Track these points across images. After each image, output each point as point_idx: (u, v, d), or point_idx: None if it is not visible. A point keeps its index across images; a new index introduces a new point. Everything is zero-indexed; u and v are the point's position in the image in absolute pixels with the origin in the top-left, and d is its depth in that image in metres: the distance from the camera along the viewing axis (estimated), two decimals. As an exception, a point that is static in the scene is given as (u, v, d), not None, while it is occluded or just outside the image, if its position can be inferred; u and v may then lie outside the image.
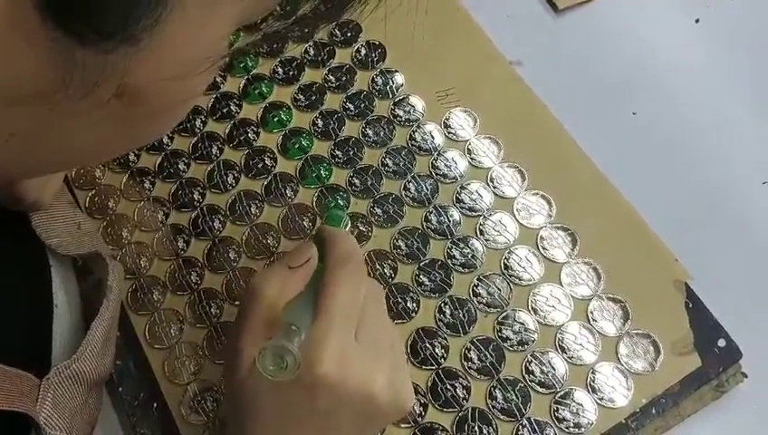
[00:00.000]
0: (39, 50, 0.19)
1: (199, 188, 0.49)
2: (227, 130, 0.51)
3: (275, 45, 0.53)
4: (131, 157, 0.51)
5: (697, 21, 0.55)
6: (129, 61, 0.20)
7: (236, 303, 0.45)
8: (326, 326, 0.31)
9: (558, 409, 0.40)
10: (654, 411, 0.40)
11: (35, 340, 0.33)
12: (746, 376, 0.41)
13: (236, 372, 0.33)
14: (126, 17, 0.18)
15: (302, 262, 0.35)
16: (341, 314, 0.32)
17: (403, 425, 0.40)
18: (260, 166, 0.50)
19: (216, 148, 0.51)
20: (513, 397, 0.40)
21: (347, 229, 0.44)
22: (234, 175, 0.49)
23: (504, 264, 0.44)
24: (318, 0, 0.26)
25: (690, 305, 0.42)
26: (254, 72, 0.53)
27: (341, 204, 0.47)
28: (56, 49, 0.18)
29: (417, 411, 0.40)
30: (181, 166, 0.50)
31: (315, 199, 0.48)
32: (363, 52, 0.53)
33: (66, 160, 0.29)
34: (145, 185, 0.50)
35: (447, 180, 0.48)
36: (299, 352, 0.30)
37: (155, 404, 0.42)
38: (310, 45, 0.54)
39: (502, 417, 0.40)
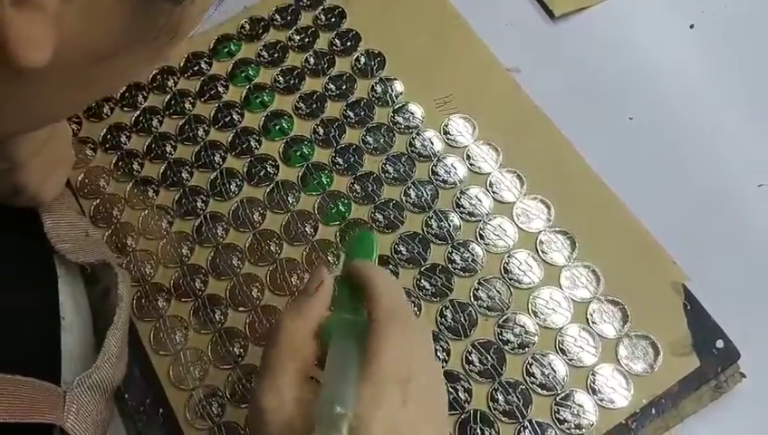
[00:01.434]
0: (128, 8, 0.22)
1: (202, 196, 0.50)
2: (230, 139, 0.52)
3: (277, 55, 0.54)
4: (135, 166, 0.51)
5: (692, 26, 0.56)
6: (186, 9, 0.23)
7: (240, 309, 0.45)
8: (375, 394, 0.29)
9: (559, 410, 0.40)
10: (654, 412, 0.40)
11: (46, 351, 0.33)
12: (744, 376, 0.41)
13: (266, 413, 0.30)
14: None
15: (315, 287, 0.33)
16: (391, 379, 0.29)
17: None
18: (262, 174, 0.50)
19: (218, 156, 0.51)
20: (515, 399, 0.41)
21: (376, 257, 0.38)
22: (236, 183, 0.50)
23: (504, 268, 0.45)
24: None
25: (688, 307, 0.43)
26: (255, 81, 0.54)
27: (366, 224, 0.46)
28: (141, 6, 0.22)
29: (420, 414, 0.41)
30: (184, 174, 0.51)
31: (317, 206, 0.49)
32: (363, 60, 0.54)
33: (104, 93, 0.32)
34: (149, 193, 0.50)
35: (447, 186, 0.48)
36: None
37: (161, 410, 0.43)
38: (310, 55, 0.55)
39: (503, 419, 0.40)
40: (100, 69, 0.24)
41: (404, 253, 0.46)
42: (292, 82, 0.54)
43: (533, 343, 0.42)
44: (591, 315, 0.43)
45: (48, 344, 0.34)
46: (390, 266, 0.46)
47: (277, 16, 0.57)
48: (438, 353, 0.43)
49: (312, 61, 0.55)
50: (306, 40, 0.56)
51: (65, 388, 0.31)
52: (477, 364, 0.42)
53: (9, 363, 0.28)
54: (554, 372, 0.41)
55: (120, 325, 0.35)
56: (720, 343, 0.42)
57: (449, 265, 0.45)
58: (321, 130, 0.52)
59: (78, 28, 0.21)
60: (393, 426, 0.28)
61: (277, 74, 0.54)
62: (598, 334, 0.42)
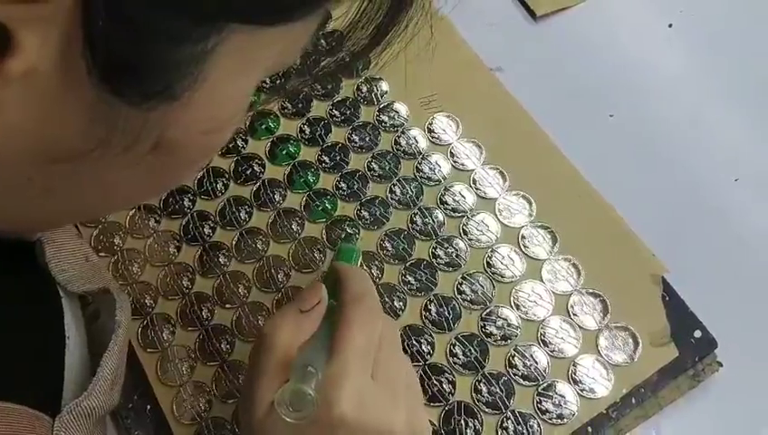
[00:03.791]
0: (86, 110, 0.19)
1: (189, 195, 0.50)
2: (216, 139, 0.52)
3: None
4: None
5: (670, 25, 0.57)
6: (167, 117, 0.21)
7: (227, 306, 0.46)
8: (342, 367, 0.31)
9: (541, 401, 0.41)
10: (634, 401, 0.41)
11: (49, 373, 0.32)
12: (721, 365, 0.42)
13: (254, 417, 0.32)
14: (169, 77, 0.19)
15: (313, 304, 0.35)
16: (357, 354, 0.32)
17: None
18: (248, 172, 0.51)
19: (205, 156, 0.52)
20: (498, 390, 0.42)
21: (359, 263, 0.43)
22: (223, 181, 0.51)
23: (487, 262, 0.46)
24: (343, 55, 0.27)
25: (667, 298, 0.44)
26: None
27: (351, 233, 0.47)
28: (102, 109, 0.19)
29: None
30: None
31: (303, 204, 0.49)
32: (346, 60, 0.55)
33: (95, 210, 0.29)
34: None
35: (431, 183, 0.49)
36: (316, 395, 0.30)
37: (148, 406, 0.43)
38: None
39: (487, 410, 0.41)
40: (67, 176, 0.22)
41: (389, 249, 0.47)
42: (278, 82, 0.54)
43: (516, 336, 0.43)
44: (572, 308, 0.44)
45: (52, 368, 0.33)
46: (376, 262, 0.46)
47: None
48: (423, 347, 0.43)
49: (297, 61, 0.55)
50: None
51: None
52: (461, 357, 0.43)
53: (7, 386, 0.28)
54: (536, 363, 0.42)
55: (115, 352, 0.34)
56: (698, 334, 0.43)
57: (434, 261, 0.46)
58: (307, 129, 0.52)
59: (22, 117, 0.19)
60: (361, 393, 0.31)
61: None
62: (579, 326, 0.43)
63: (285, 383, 0.31)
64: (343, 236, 0.48)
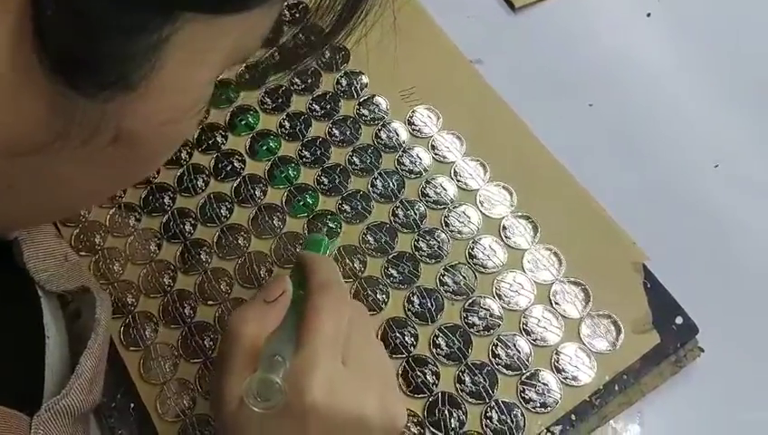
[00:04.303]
0: (42, 102, 0.19)
1: (170, 193, 0.50)
2: (195, 135, 0.52)
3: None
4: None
5: (649, 15, 0.57)
6: (125, 108, 0.20)
7: (209, 302, 0.46)
8: (311, 354, 0.31)
9: (524, 390, 0.41)
10: (617, 388, 0.41)
11: (29, 372, 0.32)
12: (703, 351, 0.43)
13: (224, 408, 0.33)
14: (124, 68, 0.19)
15: (278, 295, 0.35)
16: (326, 342, 0.32)
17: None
18: (229, 168, 0.51)
19: (185, 153, 0.51)
20: (481, 380, 0.42)
21: (328, 254, 0.43)
22: (203, 178, 0.50)
23: (469, 253, 0.46)
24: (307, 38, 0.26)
25: (648, 286, 0.44)
26: (220, 77, 0.54)
27: (321, 226, 0.47)
28: (58, 101, 0.19)
29: (389, 399, 0.41)
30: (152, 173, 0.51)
31: (284, 199, 0.49)
32: (327, 54, 0.55)
33: (62, 207, 0.29)
34: (116, 192, 0.50)
35: (413, 175, 0.49)
36: (284, 383, 0.30)
37: (132, 405, 0.43)
38: (275, 51, 0.55)
39: (471, 400, 0.41)
40: (28, 170, 0.22)
41: (372, 242, 0.47)
42: (257, 76, 0.54)
43: (498, 326, 0.43)
44: (554, 296, 0.44)
45: (32, 366, 0.32)
46: (359, 256, 0.46)
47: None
48: (406, 339, 0.43)
49: (277, 56, 0.55)
50: (270, 35, 0.56)
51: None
52: (444, 348, 0.43)
53: None
54: (519, 352, 0.42)
55: (95, 350, 0.33)
56: (679, 320, 0.43)
57: (416, 253, 0.46)
58: (287, 124, 0.52)
59: None
60: (331, 379, 0.31)
61: (242, 70, 0.55)
62: (561, 315, 0.43)
63: (253, 374, 0.31)
64: (324, 230, 0.48)
